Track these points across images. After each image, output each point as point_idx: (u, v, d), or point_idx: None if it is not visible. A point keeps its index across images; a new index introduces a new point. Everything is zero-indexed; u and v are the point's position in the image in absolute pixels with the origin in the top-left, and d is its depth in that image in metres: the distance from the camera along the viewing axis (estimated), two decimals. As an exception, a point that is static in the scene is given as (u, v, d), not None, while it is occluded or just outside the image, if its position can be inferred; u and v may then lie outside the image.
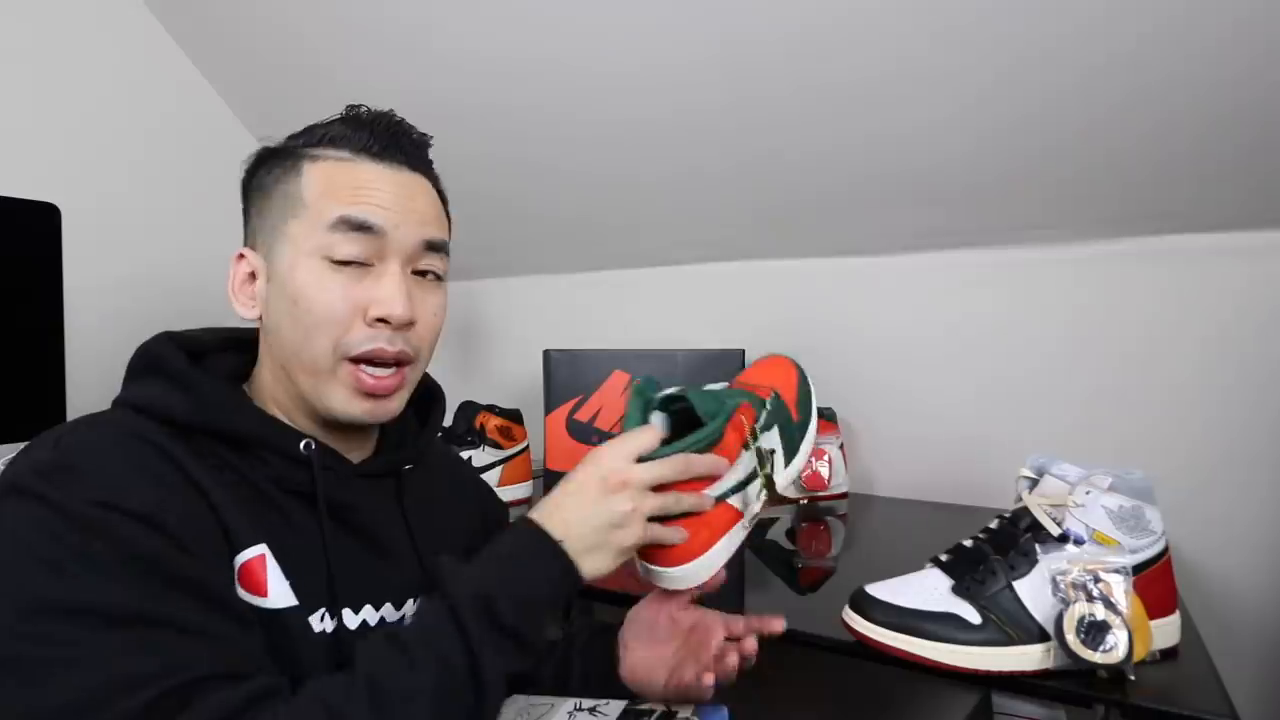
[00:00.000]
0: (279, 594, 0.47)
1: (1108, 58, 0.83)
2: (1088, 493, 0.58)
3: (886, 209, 1.12)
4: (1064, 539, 0.57)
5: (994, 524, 0.63)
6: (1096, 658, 0.52)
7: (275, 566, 0.47)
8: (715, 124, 1.09)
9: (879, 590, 0.61)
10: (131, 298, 1.27)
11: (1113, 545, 0.56)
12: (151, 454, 0.45)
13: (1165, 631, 0.59)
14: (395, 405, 0.54)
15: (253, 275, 0.54)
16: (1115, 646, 0.51)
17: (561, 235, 1.44)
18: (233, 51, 1.33)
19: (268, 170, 0.54)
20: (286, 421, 0.54)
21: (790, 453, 0.60)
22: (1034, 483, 0.63)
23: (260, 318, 0.54)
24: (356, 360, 0.51)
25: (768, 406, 0.58)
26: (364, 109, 0.56)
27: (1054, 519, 0.58)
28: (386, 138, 0.54)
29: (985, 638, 0.56)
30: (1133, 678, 0.53)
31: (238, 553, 0.46)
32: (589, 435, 1.20)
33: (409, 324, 0.52)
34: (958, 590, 0.58)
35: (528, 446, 1.34)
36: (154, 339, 0.53)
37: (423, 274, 0.55)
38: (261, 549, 0.47)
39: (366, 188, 0.52)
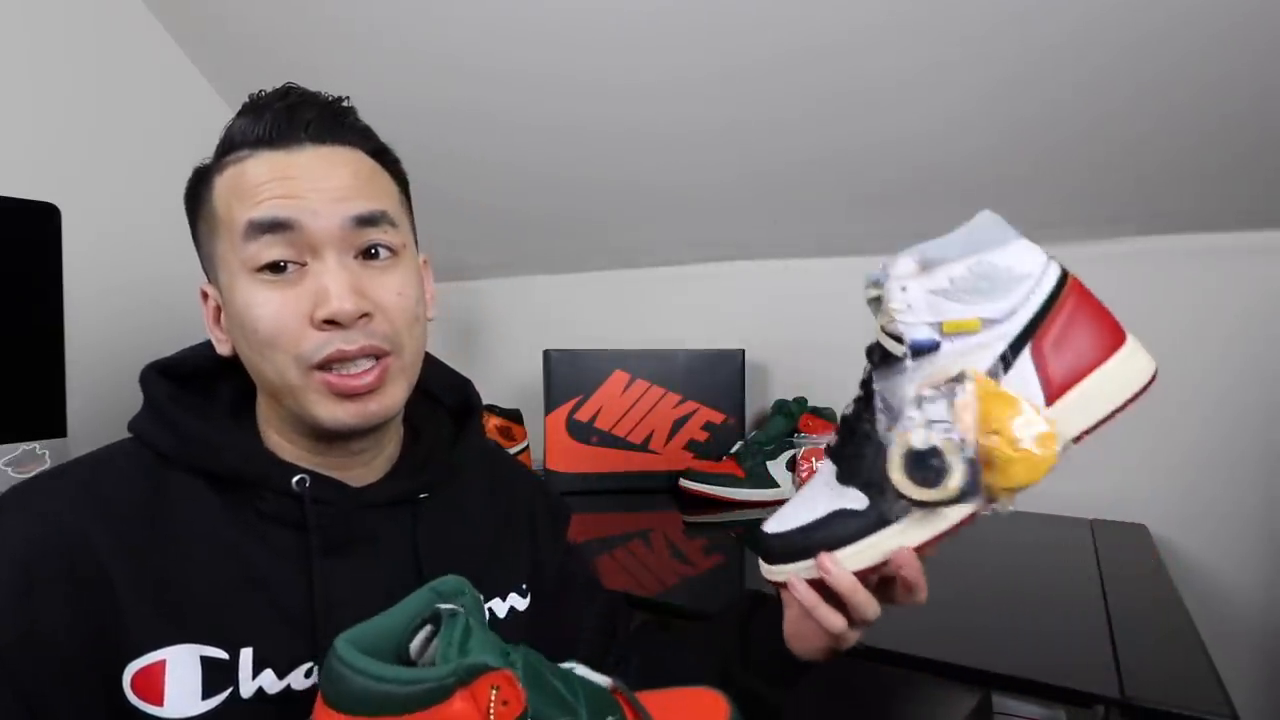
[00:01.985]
0: (178, 702, 0.44)
1: (1111, 57, 0.83)
2: (903, 289, 0.44)
3: (887, 209, 1.12)
4: (919, 356, 0.44)
5: (864, 372, 0.49)
6: (931, 495, 0.42)
7: (183, 671, 0.44)
8: (715, 126, 1.08)
9: (774, 522, 0.49)
10: (131, 298, 1.27)
11: (973, 328, 0.43)
12: (49, 551, 0.43)
13: (1130, 367, 0.46)
14: (387, 403, 0.49)
15: (219, 309, 0.51)
16: (950, 473, 0.41)
17: (562, 235, 1.44)
18: (233, 51, 1.33)
19: (195, 193, 0.51)
20: (283, 451, 0.52)
21: None
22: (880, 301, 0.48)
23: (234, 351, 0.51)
24: (321, 367, 0.47)
25: None
26: (260, 93, 0.50)
27: (894, 336, 0.45)
28: (279, 118, 0.48)
29: (872, 522, 0.45)
30: (996, 506, 0.43)
31: (131, 659, 0.44)
32: (589, 435, 1.20)
33: (362, 316, 0.47)
34: (841, 476, 0.47)
35: (528, 446, 1.34)
36: (143, 369, 0.51)
37: (371, 254, 0.49)
38: (163, 655, 0.44)
39: (267, 182, 0.46)
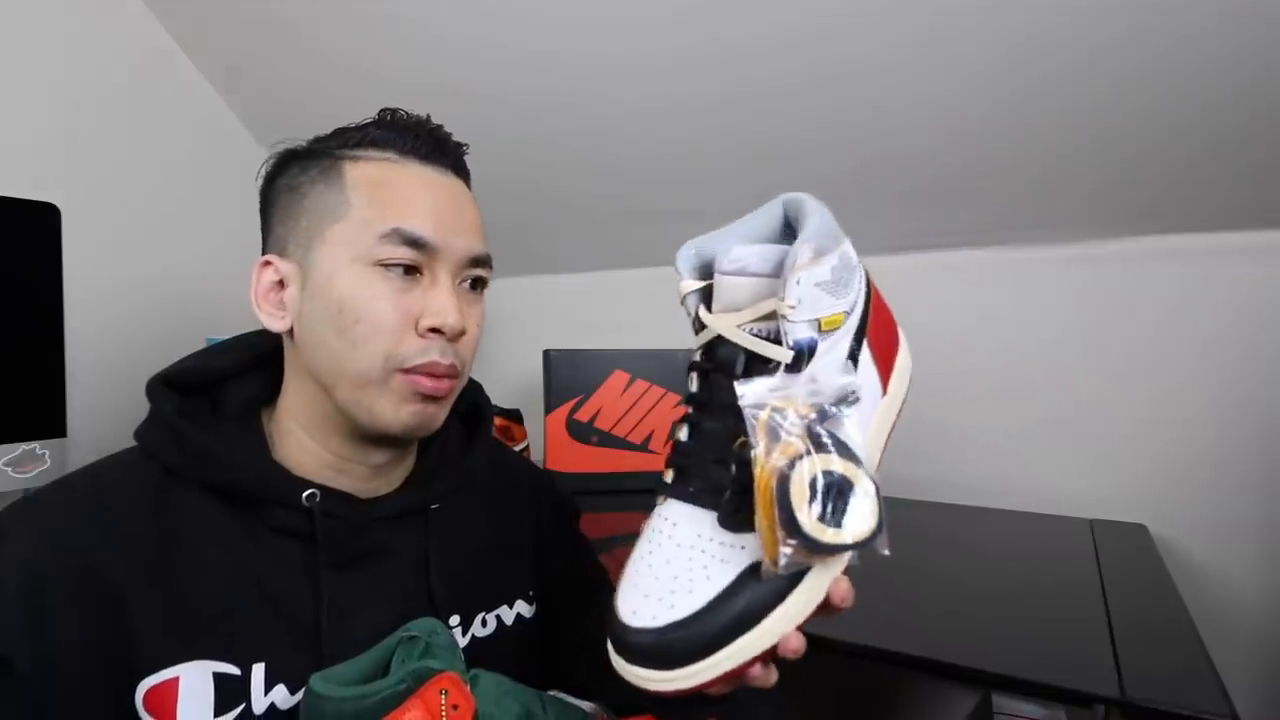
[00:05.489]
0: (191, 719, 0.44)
1: (1109, 57, 0.83)
2: (798, 282, 0.36)
3: (884, 210, 1.12)
4: (800, 362, 0.36)
5: (693, 386, 0.41)
6: (845, 537, 0.33)
7: (196, 688, 0.44)
8: (715, 128, 1.09)
9: (633, 611, 0.36)
10: (131, 298, 1.27)
11: (840, 323, 0.38)
12: (59, 569, 0.43)
13: (906, 362, 0.44)
14: (441, 415, 0.52)
15: (279, 284, 0.51)
16: (864, 513, 0.33)
17: (562, 235, 1.44)
18: (233, 52, 1.33)
19: (301, 171, 0.51)
20: (297, 459, 0.51)
21: None
22: (705, 293, 0.41)
23: (290, 330, 0.51)
24: (409, 372, 0.49)
25: None
26: (401, 112, 0.53)
27: (771, 337, 0.37)
28: (431, 140, 0.52)
29: (792, 580, 0.35)
30: (887, 551, 0.34)
31: (144, 677, 0.43)
32: (589, 435, 1.20)
33: (460, 334, 0.50)
34: (731, 522, 0.36)
35: (528, 446, 1.34)
36: (149, 381, 0.51)
37: (469, 284, 0.53)
38: (175, 672, 0.44)
39: (418, 195, 0.50)
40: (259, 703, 0.46)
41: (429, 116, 0.54)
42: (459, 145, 0.55)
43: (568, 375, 1.20)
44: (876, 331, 0.41)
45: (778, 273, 0.37)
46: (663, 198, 1.26)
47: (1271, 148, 0.86)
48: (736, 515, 0.36)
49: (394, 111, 0.53)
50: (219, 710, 0.44)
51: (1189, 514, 0.98)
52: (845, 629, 0.64)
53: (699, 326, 0.40)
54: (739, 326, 0.38)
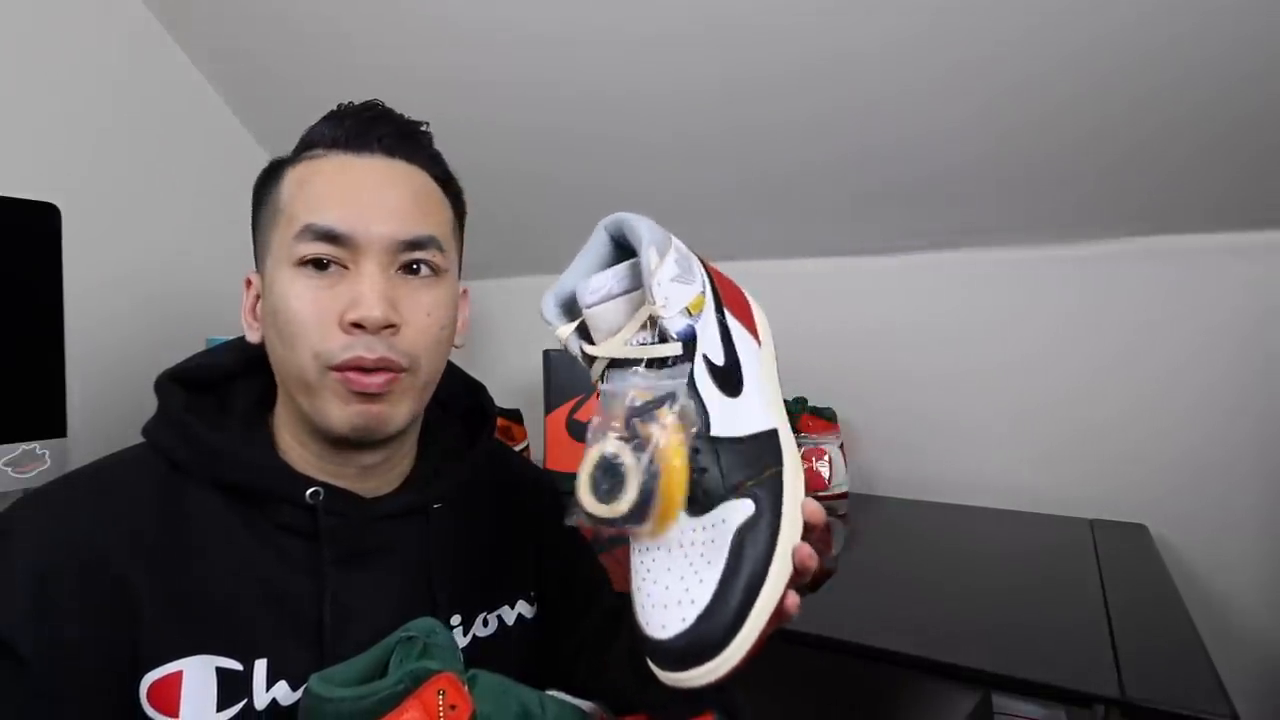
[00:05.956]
0: (193, 713, 0.43)
1: (1098, 55, 0.83)
2: (658, 284, 0.40)
3: (886, 210, 1.12)
4: (690, 347, 0.40)
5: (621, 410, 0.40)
6: (610, 511, 0.37)
7: (199, 682, 0.44)
8: (715, 130, 1.09)
9: (662, 626, 0.37)
10: (131, 298, 1.27)
11: (702, 304, 0.42)
12: (67, 562, 0.43)
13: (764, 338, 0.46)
14: (394, 414, 0.49)
15: (259, 297, 0.52)
16: (627, 491, 0.36)
17: (562, 235, 1.44)
18: (233, 51, 1.33)
19: (263, 186, 0.52)
20: (297, 459, 0.51)
21: None
22: (580, 330, 0.43)
23: (262, 341, 0.52)
24: (339, 369, 0.47)
25: None
26: (348, 104, 0.52)
27: (656, 340, 0.40)
28: (359, 125, 0.50)
29: (775, 511, 0.39)
30: (647, 529, 0.37)
31: (148, 670, 0.43)
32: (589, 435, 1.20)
33: (387, 327, 0.47)
34: (694, 509, 0.38)
35: (527, 446, 1.34)
36: (158, 378, 0.51)
37: (413, 269, 0.50)
38: (179, 666, 0.44)
39: (332, 187, 0.48)
40: (260, 698, 0.46)
41: (374, 101, 0.53)
42: (401, 125, 0.52)
43: (568, 375, 1.20)
44: (730, 299, 0.45)
45: (636, 285, 0.41)
46: (662, 196, 1.26)
47: (1263, 148, 0.86)
48: (700, 500, 0.38)
49: (340, 106, 0.53)
50: (221, 705, 0.44)
51: (1189, 514, 0.98)
52: (846, 629, 0.64)
53: (589, 360, 0.42)
54: (626, 344, 0.41)
